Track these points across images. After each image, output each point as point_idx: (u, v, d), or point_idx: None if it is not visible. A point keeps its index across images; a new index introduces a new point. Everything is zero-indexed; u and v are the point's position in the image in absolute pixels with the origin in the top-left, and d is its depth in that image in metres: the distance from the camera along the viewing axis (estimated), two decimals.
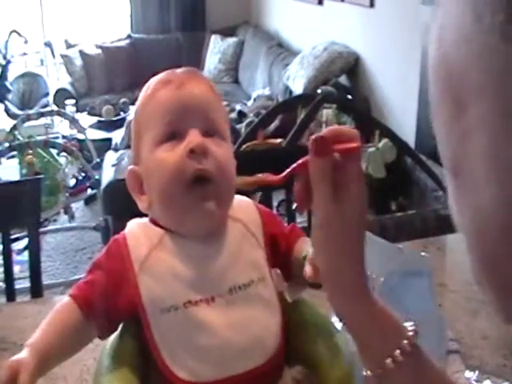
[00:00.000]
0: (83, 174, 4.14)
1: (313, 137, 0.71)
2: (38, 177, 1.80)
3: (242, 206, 0.92)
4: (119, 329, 0.90)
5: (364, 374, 0.71)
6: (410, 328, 0.70)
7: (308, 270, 0.78)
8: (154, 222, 0.88)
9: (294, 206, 0.75)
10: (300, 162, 0.73)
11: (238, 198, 0.91)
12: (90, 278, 0.86)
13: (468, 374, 1.06)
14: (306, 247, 0.86)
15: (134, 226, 0.89)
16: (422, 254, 1.20)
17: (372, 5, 3.87)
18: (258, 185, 0.82)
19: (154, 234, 0.86)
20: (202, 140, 0.84)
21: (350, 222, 0.70)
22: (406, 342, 0.68)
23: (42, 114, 4.76)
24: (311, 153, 0.70)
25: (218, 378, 0.82)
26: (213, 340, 0.83)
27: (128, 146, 3.72)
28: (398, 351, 0.68)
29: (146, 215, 0.90)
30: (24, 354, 0.79)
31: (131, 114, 5.00)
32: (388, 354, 0.68)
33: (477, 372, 1.06)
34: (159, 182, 0.85)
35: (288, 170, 0.75)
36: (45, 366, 0.81)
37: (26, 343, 0.80)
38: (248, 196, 0.95)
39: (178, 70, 0.91)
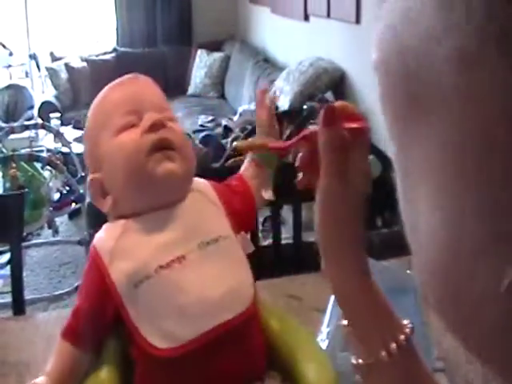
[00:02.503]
0: (68, 188, 4.12)
1: (325, 106, 0.70)
2: (22, 191, 1.78)
3: (198, 181, 0.97)
4: None
5: (353, 361, 0.70)
6: (407, 324, 0.69)
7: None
8: (120, 218, 0.91)
9: (299, 176, 0.74)
10: (306, 132, 0.72)
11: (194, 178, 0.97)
12: (76, 308, 0.89)
13: None
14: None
15: (98, 234, 0.92)
16: (408, 271, 1.20)
17: (358, 21, 3.89)
18: (263, 147, 0.84)
19: (117, 227, 0.89)
20: (158, 116, 0.89)
21: (351, 198, 0.69)
22: (403, 336, 0.67)
23: (26, 127, 4.73)
24: (321, 123, 0.69)
25: (196, 335, 0.83)
26: (189, 298, 0.84)
27: None
28: (394, 344, 0.67)
29: None
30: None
31: None
32: (384, 346, 0.67)
33: None
34: (122, 162, 0.88)
35: (293, 139, 0.74)
36: None
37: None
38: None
39: (123, 77, 0.97)
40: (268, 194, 0.99)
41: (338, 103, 0.72)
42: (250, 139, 0.86)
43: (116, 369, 0.87)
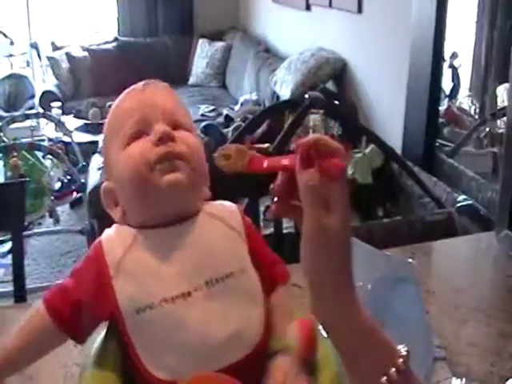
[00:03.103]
0: (69, 177, 4.12)
1: (296, 145, 0.70)
2: (23, 180, 1.78)
3: (226, 206, 0.93)
4: (103, 333, 0.90)
5: None
6: (402, 348, 0.70)
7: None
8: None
9: (274, 200, 0.73)
10: (287, 162, 0.72)
11: (223, 202, 0.93)
12: (65, 285, 0.86)
13: (455, 381, 1.06)
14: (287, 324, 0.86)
15: (109, 230, 0.89)
16: (410, 260, 1.20)
17: (360, 11, 3.88)
18: (242, 168, 0.78)
19: (128, 234, 0.86)
20: (168, 128, 0.86)
21: (341, 233, 0.69)
22: (401, 360, 0.68)
23: (27, 116, 4.74)
24: (297, 164, 0.70)
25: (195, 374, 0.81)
26: (190, 337, 0.81)
27: None
28: (393, 369, 0.67)
29: None
30: None
31: None
32: (383, 372, 0.67)
33: (464, 379, 1.06)
34: (128, 174, 0.86)
35: (275, 162, 0.74)
36: (11, 369, 0.85)
37: None
38: (235, 202, 0.95)
39: (140, 83, 0.94)
40: None
41: (314, 142, 0.70)
42: (232, 154, 0.80)
43: (118, 375, 0.86)
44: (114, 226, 0.90)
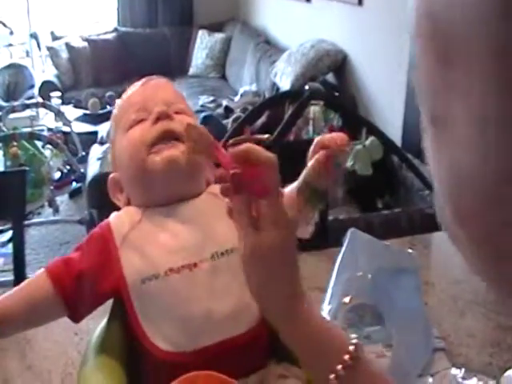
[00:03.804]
0: (68, 167, 4.12)
1: (231, 174, 0.72)
2: (25, 168, 1.78)
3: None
4: (106, 320, 0.90)
5: None
6: (352, 341, 0.71)
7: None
8: None
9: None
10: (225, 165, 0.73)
11: None
12: (69, 258, 0.87)
13: (454, 371, 1.06)
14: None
15: (116, 212, 0.92)
16: (410, 251, 1.20)
17: (360, 3, 3.87)
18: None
19: (136, 212, 0.89)
20: (165, 108, 0.90)
21: (272, 249, 0.71)
22: (347, 356, 0.69)
23: (27, 106, 4.73)
24: (231, 189, 0.72)
25: (199, 347, 0.83)
26: (194, 308, 0.83)
27: None
28: (340, 366, 0.69)
29: None
30: None
31: None
32: (331, 370, 0.69)
33: (463, 370, 1.06)
34: (128, 156, 0.89)
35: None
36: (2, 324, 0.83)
37: None
38: None
39: (143, 79, 1.00)
40: (304, 232, 0.92)
41: (242, 149, 0.72)
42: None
43: (121, 362, 0.86)
44: (123, 209, 0.92)
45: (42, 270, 0.86)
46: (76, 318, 0.87)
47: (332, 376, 0.68)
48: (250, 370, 0.85)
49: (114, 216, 0.90)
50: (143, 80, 0.99)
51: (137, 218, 0.88)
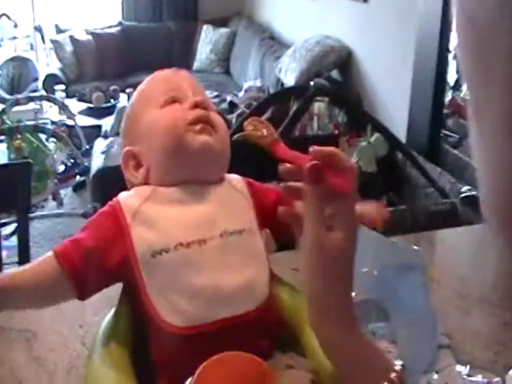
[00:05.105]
0: (72, 161, 4.11)
1: (308, 164, 0.71)
2: (29, 161, 1.78)
3: (232, 175, 0.97)
4: (113, 311, 0.90)
5: None
6: (397, 362, 0.71)
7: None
8: None
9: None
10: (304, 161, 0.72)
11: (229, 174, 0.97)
12: (77, 238, 0.87)
13: (459, 368, 1.06)
14: None
15: (125, 192, 0.92)
16: (416, 247, 1.20)
17: (366, 0, 3.87)
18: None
19: (145, 190, 0.89)
20: (202, 98, 0.94)
21: (340, 250, 0.70)
22: (394, 374, 0.69)
23: (31, 99, 4.73)
24: (306, 180, 0.71)
25: (208, 321, 0.83)
26: (203, 282, 0.83)
27: (117, 134, 3.69)
28: (386, 383, 0.69)
29: None
30: None
31: (121, 101, 4.98)
32: None
33: (468, 367, 1.06)
34: (163, 130, 0.90)
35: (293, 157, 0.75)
36: (8, 294, 0.83)
37: None
38: None
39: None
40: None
41: (328, 151, 0.71)
42: (262, 127, 0.83)
43: (127, 345, 0.87)
44: (133, 189, 0.92)
45: (50, 252, 0.87)
46: (83, 294, 0.87)
47: None
48: (257, 353, 0.85)
49: (123, 194, 0.90)
50: (169, 69, 1.00)
51: (146, 194, 0.88)
